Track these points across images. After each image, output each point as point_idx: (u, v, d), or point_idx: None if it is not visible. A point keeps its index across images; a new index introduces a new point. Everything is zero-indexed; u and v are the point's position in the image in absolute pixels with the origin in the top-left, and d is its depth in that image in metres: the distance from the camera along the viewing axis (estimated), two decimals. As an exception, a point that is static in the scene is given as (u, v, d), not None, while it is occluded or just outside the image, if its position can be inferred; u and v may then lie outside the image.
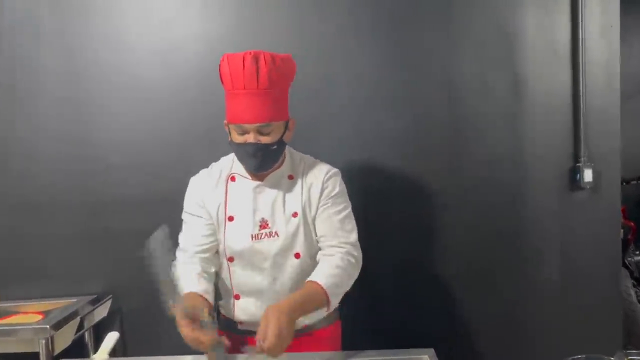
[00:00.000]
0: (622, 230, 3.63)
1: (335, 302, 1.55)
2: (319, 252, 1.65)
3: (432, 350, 1.53)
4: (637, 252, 3.88)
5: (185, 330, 1.36)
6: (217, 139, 1.89)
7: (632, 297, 3.50)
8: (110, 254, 2.42)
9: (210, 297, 1.59)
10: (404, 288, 2.38)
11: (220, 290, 1.73)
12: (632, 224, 3.86)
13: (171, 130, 2.40)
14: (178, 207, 1.74)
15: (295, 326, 1.41)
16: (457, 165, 2.39)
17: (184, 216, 1.71)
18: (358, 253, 1.64)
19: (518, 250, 2.41)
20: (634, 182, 4.14)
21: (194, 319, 1.38)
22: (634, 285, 3.67)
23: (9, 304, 2.35)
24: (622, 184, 3.99)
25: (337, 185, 1.67)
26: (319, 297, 1.50)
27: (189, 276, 1.59)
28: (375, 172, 2.38)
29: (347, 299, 1.63)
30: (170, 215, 1.72)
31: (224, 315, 1.76)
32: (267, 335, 1.32)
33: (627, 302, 3.40)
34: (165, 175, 2.35)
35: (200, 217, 1.66)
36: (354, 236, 1.66)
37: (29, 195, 2.42)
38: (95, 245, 2.43)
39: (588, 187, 2.34)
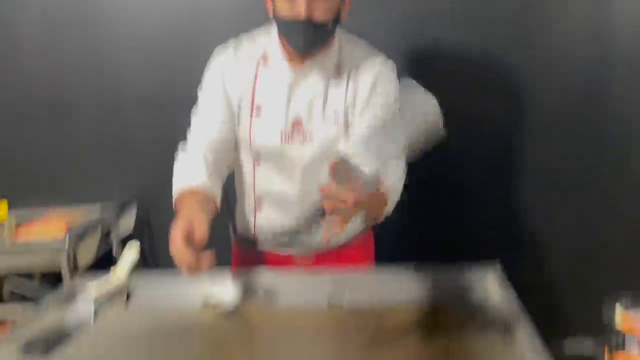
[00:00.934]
0: None
1: (388, 212, 1.27)
2: None
3: (497, 265, 1.27)
4: None
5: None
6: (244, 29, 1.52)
7: None
8: (133, 157, 2.24)
9: (218, 200, 1.30)
10: (463, 194, 2.10)
11: (240, 198, 1.47)
12: None
13: (189, 18, 2.10)
14: None
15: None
16: (528, 52, 2.01)
17: (201, 94, 1.39)
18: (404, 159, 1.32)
19: (601, 151, 2.05)
20: None
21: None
22: None
23: (30, 211, 2.21)
24: None
25: (390, 82, 1.34)
26: (379, 196, 1.20)
27: (194, 167, 1.28)
28: (439, 56, 2.03)
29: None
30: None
31: (240, 231, 1.51)
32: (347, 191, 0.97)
33: None
34: (184, 71, 2.02)
35: (220, 100, 1.34)
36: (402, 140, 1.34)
37: (46, 99, 2.22)
38: (115, 147, 2.23)
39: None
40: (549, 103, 2.04)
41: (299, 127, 1.33)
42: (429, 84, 1.08)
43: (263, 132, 1.34)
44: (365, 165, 1.10)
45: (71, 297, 1.32)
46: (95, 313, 1.18)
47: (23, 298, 2.05)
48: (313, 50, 1.28)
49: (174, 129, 1.52)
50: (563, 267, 2.12)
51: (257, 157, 1.37)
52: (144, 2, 2.11)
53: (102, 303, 1.26)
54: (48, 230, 2.08)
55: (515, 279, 1.19)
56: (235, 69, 1.34)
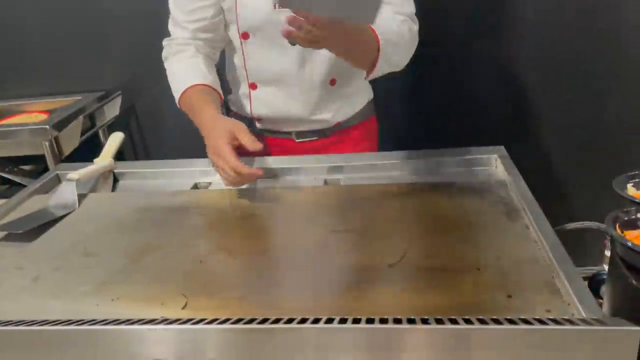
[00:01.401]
0: None
1: (382, 66, 1.12)
2: None
3: (502, 149, 1.21)
4: None
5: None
6: None
7: None
8: (117, 48, 2.07)
9: (220, 90, 1.25)
10: (467, 82, 1.97)
11: (229, 80, 1.37)
12: None
13: None
14: None
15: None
16: None
17: None
18: (416, 26, 1.21)
19: (612, 52, 1.89)
20: None
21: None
22: None
23: (11, 103, 2.10)
24: None
25: None
26: (371, 46, 1.08)
27: (190, 62, 1.23)
28: None
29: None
30: None
31: (235, 112, 1.41)
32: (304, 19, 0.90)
33: None
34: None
35: None
36: (412, 6, 1.21)
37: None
38: (100, 39, 2.06)
39: None
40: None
41: None
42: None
43: (250, 1, 1.19)
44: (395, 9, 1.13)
45: (55, 182, 1.27)
46: (79, 196, 1.12)
47: (8, 183, 2.00)
48: None
49: (158, 18, 1.35)
50: (570, 154, 2.05)
51: (244, 32, 1.23)
52: None
53: (87, 187, 1.20)
54: (30, 120, 1.98)
55: (519, 164, 1.13)
56: None
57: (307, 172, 1.20)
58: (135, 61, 2.07)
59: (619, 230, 0.77)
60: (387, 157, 1.22)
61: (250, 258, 0.88)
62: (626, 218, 0.80)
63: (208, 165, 1.20)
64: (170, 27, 1.27)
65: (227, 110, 1.44)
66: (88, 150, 1.97)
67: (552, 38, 1.90)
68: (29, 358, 0.62)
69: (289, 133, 1.34)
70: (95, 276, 0.83)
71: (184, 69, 1.24)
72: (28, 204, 1.13)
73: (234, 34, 1.26)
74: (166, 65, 1.28)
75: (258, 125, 1.36)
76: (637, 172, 0.90)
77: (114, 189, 1.25)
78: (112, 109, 2.08)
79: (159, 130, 2.13)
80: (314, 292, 0.78)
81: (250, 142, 1.04)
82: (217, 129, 1.07)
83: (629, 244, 0.73)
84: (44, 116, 1.97)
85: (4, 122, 1.97)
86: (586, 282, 0.76)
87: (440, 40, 1.80)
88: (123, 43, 2.05)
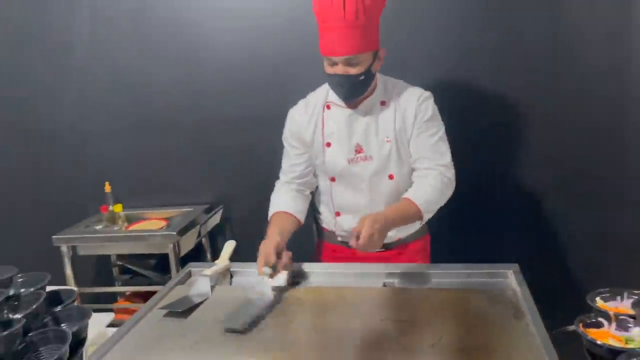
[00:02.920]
0: None
1: (427, 217, 1.63)
2: (414, 173, 1.70)
3: (516, 266, 1.58)
4: None
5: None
6: (310, 67, 1.91)
7: None
8: (219, 168, 2.64)
9: (302, 216, 1.75)
10: (492, 205, 2.42)
11: (323, 208, 1.86)
12: None
13: (268, 57, 2.48)
14: (275, 127, 1.85)
15: (387, 236, 1.51)
16: (553, 81, 2.29)
17: (284, 143, 1.82)
18: (451, 173, 1.68)
19: (615, 166, 2.31)
20: None
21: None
22: None
23: (136, 212, 2.67)
24: None
25: (429, 108, 1.68)
26: (413, 212, 1.58)
27: (284, 196, 1.76)
28: (467, 90, 2.34)
29: (437, 216, 1.70)
30: (268, 133, 1.97)
31: (325, 228, 1.89)
32: (360, 234, 1.44)
33: None
34: (266, 98, 2.47)
35: (296, 147, 1.77)
36: (447, 158, 1.69)
37: (149, 118, 2.65)
38: (207, 160, 2.65)
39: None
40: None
41: (360, 151, 1.70)
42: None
43: (334, 159, 1.72)
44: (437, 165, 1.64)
45: (187, 276, 1.73)
46: (211, 288, 1.57)
47: (132, 273, 2.52)
48: (355, 98, 1.67)
49: (253, 145, 2.04)
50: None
51: (332, 177, 1.75)
52: (234, 44, 2.51)
53: (214, 280, 1.66)
54: (151, 226, 2.51)
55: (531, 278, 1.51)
56: (303, 116, 1.76)
57: (371, 276, 1.62)
58: (232, 183, 2.64)
59: (582, 329, 1.14)
60: (432, 268, 1.63)
61: (327, 333, 1.29)
62: (588, 321, 1.16)
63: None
64: (280, 173, 1.83)
65: (317, 225, 1.94)
66: (195, 250, 2.48)
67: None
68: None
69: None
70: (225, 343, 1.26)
71: (278, 199, 1.78)
72: (173, 293, 1.59)
73: (324, 178, 1.78)
74: (272, 195, 1.81)
75: (339, 238, 1.83)
76: (605, 289, 1.26)
77: (230, 283, 1.70)
78: (214, 220, 2.61)
79: (249, 237, 2.62)
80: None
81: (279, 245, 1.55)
82: (269, 239, 1.58)
83: (589, 337, 1.10)
84: (162, 223, 2.51)
85: (134, 227, 2.52)
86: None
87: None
88: (226, 171, 2.62)
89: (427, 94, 1.71)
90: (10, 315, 1.30)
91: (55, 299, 1.36)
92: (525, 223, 2.42)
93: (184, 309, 1.43)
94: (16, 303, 1.36)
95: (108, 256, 2.68)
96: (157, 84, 2.60)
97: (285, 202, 1.75)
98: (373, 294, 1.50)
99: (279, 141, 1.84)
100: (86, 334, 1.40)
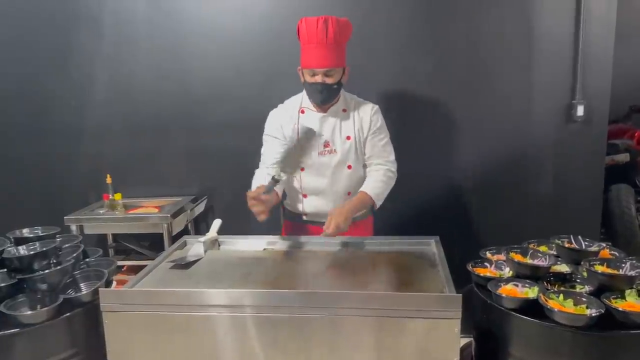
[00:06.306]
0: (628, 154, 3.89)
1: (378, 205, 2.07)
2: (367, 168, 2.13)
3: (437, 237, 1.97)
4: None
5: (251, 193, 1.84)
6: (286, 81, 2.34)
7: (632, 212, 3.72)
8: (204, 165, 3.02)
9: (280, 192, 2.07)
10: (424, 194, 2.89)
11: (290, 193, 2.23)
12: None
13: (251, 72, 2.89)
14: (257, 131, 2.19)
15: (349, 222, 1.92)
16: (474, 100, 2.80)
17: (264, 137, 2.17)
18: (395, 169, 2.12)
19: (520, 168, 2.84)
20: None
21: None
22: (636, 202, 3.85)
23: (132, 200, 3.01)
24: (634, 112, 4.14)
25: (379, 119, 2.12)
26: (368, 202, 2.03)
27: (265, 176, 2.06)
28: (407, 106, 2.81)
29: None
30: (250, 137, 2.26)
31: (289, 210, 2.27)
32: (330, 225, 1.85)
33: (626, 215, 3.68)
34: (246, 107, 2.87)
35: (278, 138, 2.13)
36: (392, 156, 2.14)
37: (145, 122, 3.01)
38: (194, 159, 3.01)
39: (580, 120, 2.69)
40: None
41: (327, 146, 2.10)
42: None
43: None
44: (385, 161, 2.07)
45: (183, 245, 2.09)
46: (204, 251, 1.94)
47: (125, 252, 2.85)
48: (329, 103, 2.08)
49: (233, 146, 2.54)
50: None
51: (302, 167, 2.13)
52: (225, 59, 2.90)
53: (207, 246, 2.02)
54: (147, 211, 2.85)
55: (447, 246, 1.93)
56: (284, 115, 2.14)
57: (326, 244, 2.01)
58: (215, 177, 3.02)
59: (471, 268, 1.58)
60: (375, 238, 2.05)
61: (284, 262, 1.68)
62: (477, 264, 1.61)
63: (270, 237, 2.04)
64: (260, 163, 2.15)
65: (283, 208, 2.31)
66: (181, 233, 2.82)
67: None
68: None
69: (323, 223, 2.11)
70: (220, 281, 1.64)
71: (260, 177, 2.05)
72: (174, 255, 1.95)
73: None
74: (253, 179, 2.12)
75: (304, 217, 2.21)
76: (493, 247, 1.71)
77: (218, 249, 2.07)
78: (199, 208, 2.98)
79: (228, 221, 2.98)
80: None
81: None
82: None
83: (475, 272, 1.54)
84: (156, 209, 2.85)
85: (132, 212, 2.86)
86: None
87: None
88: (210, 167, 3.00)
89: (377, 107, 2.14)
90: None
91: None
92: (449, 208, 2.90)
93: (186, 263, 1.80)
94: (60, 252, 1.73)
95: (105, 238, 2.99)
96: (152, 93, 2.97)
97: (266, 179, 2.02)
98: (326, 255, 1.90)
99: (255, 143, 2.19)
100: (112, 277, 1.78)
